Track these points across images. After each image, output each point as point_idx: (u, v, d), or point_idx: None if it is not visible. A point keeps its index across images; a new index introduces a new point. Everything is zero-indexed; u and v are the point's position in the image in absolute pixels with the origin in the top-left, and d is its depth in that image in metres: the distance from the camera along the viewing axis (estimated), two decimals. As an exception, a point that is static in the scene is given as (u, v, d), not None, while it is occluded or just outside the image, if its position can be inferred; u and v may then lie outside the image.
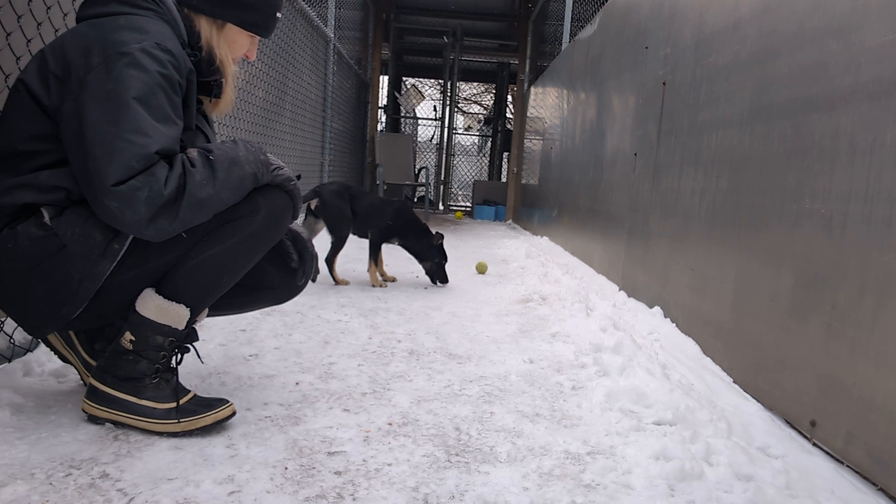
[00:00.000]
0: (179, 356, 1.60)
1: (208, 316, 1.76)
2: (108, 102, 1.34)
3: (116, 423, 1.53)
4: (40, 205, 1.40)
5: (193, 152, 1.46)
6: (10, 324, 1.89)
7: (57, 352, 1.72)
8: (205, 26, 1.61)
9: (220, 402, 1.57)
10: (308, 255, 1.82)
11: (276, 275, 1.79)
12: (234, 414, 1.59)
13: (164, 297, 1.50)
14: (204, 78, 1.64)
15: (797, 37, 1.94)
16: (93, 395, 1.53)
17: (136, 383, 1.52)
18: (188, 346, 1.62)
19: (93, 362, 1.69)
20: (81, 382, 1.76)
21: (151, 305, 1.50)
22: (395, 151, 10.17)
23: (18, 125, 1.41)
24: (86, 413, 1.54)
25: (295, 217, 1.69)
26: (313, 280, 1.88)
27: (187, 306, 1.53)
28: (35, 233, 1.39)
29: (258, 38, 1.72)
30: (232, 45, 1.66)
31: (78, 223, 1.40)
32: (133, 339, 1.51)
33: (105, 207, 1.34)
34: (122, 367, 1.52)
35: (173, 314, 1.52)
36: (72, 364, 1.73)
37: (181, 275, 1.51)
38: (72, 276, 1.41)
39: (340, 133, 8.18)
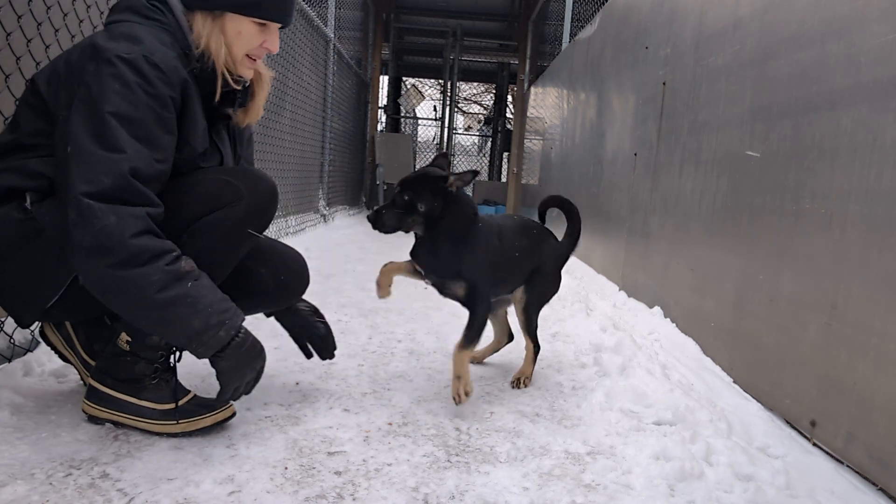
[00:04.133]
0: (178, 354, 1.59)
1: None
2: (88, 113, 1.32)
3: (116, 424, 1.53)
4: (25, 190, 1.41)
5: (190, 262, 1.37)
6: (10, 324, 1.89)
7: (57, 351, 1.72)
8: (199, 22, 1.49)
9: (220, 404, 1.57)
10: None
11: (270, 279, 1.75)
12: (233, 415, 1.58)
13: None
14: (227, 87, 1.53)
15: (797, 37, 1.94)
16: (93, 395, 1.53)
17: (136, 384, 1.52)
18: None
19: (92, 363, 1.68)
20: (81, 382, 1.76)
21: None
22: (395, 151, 10.17)
23: (25, 120, 1.43)
24: (86, 414, 1.54)
25: (273, 209, 1.61)
26: None
27: None
28: (14, 216, 1.40)
29: (274, 25, 1.55)
30: (237, 39, 1.51)
31: (59, 209, 1.38)
32: (129, 339, 1.51)
33: (65, 214, 1.31)
34: (120, 368, 1.52)
35: None
36: (71, 363, 1.73)
37: None
38: (47, 262, 1.41)
39: (340, 133, 8.17)
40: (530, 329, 2.13)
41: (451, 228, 1.86)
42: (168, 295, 1.32)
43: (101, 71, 1.34)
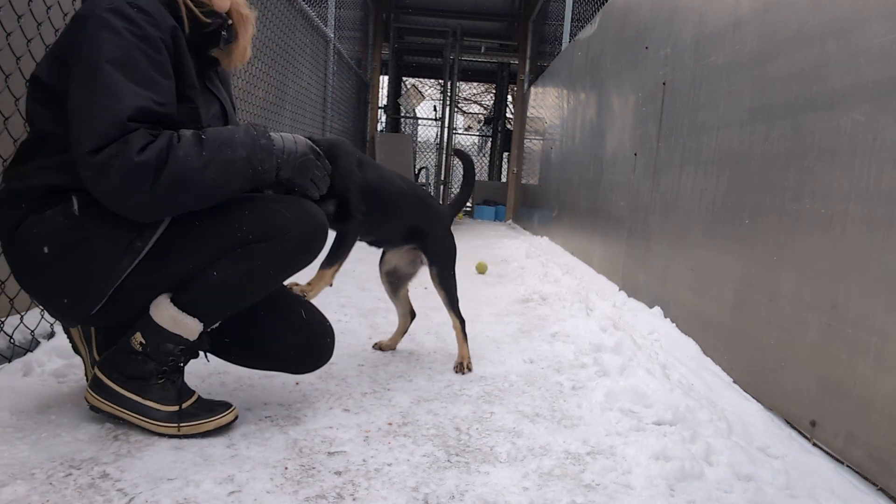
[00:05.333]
0: (187, 359, 1.59)
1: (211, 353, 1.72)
2: (83, 68, 1.32)
3: (116, 420, 1.53)
4: (70, 190, 1.40)
5: (186, 131, 1.40)
6: (10, 324, 1.89)
7: (72, 340, 1.70)
8: None
9: (222, 407, 1.57)
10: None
11: (294, 350, 1.73)
12: (236, 419, 1.58)
13: (179, 308, 1.48)
14: (207, 29, 1.54)
15: (797, 37, 1.94)
16: (97, 387, 1.53)
17: (143, 382, 1.51)
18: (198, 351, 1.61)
19: None
20: (85, 381, 1.75)
21: (165, 315, 1.48)
22: (395, 151, 10.17)
23: (39, 114, 1.42)
24: (88, 403, 1.54)
25: (319, 248, 1.60)
26: None
27: (200, 320, 1.51)
28: (62, 222, 1.39)
29: None
30: None
31: (106, 217, 1.38)
32: (143, 342, 1.50)
33: (85, 177, 1.33)
34: (129, 366, 1.51)
35: (186, 326, 1.50)
36: (81, 357, 1.71)
37: (199, 288, 1.48)
38: (93, 269, 1.41)
39: (340, 133, 8.17)
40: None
41: None
42: (205, 159, 1.37)
43: (87, 28, 1.34)
